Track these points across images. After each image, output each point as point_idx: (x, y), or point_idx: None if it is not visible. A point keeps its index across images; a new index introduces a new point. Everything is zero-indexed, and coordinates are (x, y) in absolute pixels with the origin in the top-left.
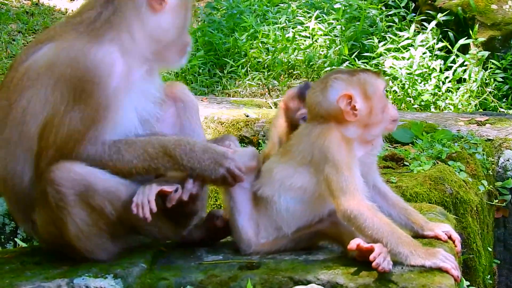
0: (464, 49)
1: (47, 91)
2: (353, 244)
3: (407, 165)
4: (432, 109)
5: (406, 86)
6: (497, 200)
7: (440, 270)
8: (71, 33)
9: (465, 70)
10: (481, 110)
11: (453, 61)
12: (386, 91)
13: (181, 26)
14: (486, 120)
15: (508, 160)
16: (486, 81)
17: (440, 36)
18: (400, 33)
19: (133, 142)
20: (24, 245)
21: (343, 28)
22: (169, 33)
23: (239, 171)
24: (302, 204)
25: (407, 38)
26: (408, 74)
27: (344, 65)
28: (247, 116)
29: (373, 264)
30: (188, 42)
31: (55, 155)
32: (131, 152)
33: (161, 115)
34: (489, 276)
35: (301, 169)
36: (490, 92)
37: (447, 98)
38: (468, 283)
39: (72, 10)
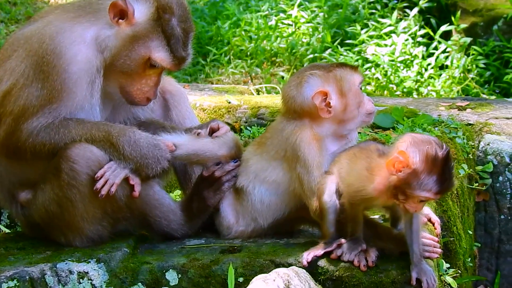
0: (446, 35)
1: (17, 62)
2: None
3: None
4: (415, 96)
5: (389, 73)
6: (477, 184)
7: None
8: (57, 13)
9: (447, 57)
10: (463, 96)
11: (435, 48)
12: (368, 78)
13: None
14: (466, 105)
15: (488, 144)
16: (468, 68)
17: (422, 22)
18: (383, 20)
19: (83, 121)
20: (7, 231)
21: (326, 16)
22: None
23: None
24: (277, 197)
25: (390, 25)
26: (390, 61)
27: (327, 52)
28: (229, 102)
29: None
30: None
31: (12, 123)
32: (78, 130)
33: (150, 107)
34: (469, 259)
35: (275, 163)
36: (472, 78)
37: (429, 84)
38: (448, 265)
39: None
